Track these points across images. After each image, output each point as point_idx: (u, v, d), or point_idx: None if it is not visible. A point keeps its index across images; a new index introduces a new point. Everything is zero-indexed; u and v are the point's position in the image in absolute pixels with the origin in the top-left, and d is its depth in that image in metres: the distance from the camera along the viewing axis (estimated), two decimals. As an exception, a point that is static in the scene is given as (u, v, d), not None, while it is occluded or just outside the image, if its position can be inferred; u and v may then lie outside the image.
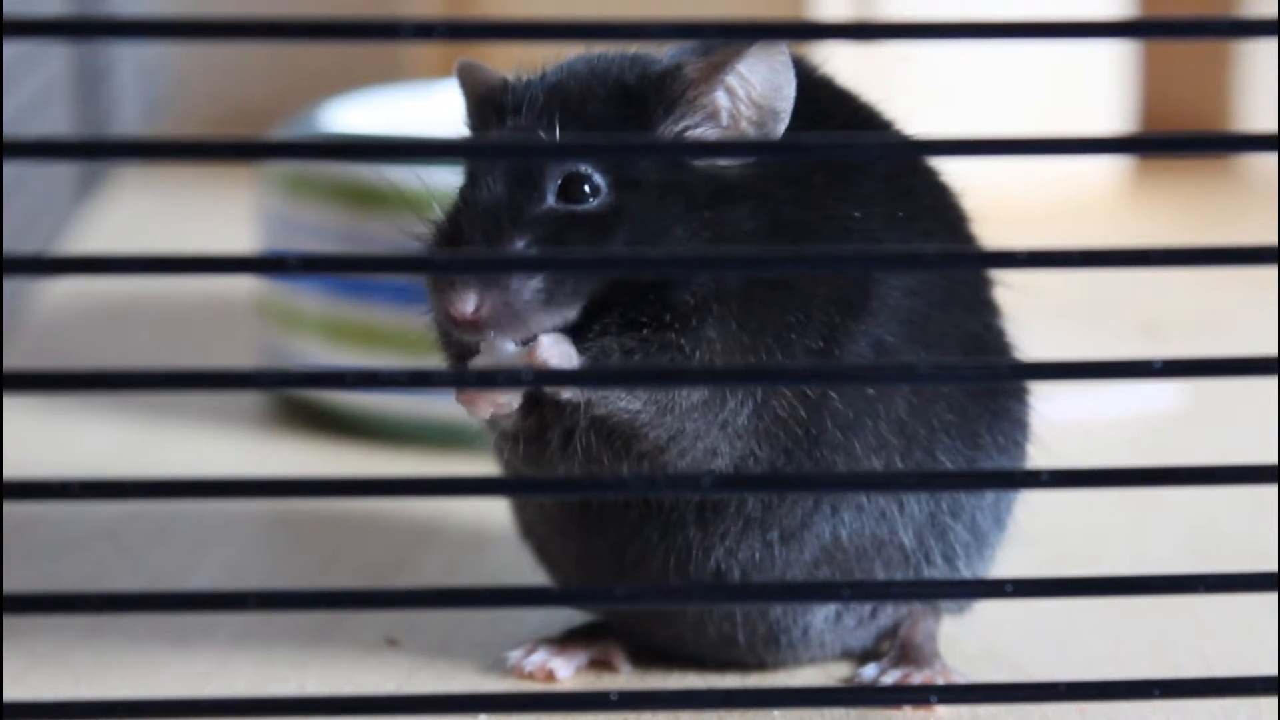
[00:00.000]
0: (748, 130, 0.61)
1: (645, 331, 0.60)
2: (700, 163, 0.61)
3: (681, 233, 0.60)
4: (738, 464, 0.62)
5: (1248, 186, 1.49)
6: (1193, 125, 1.55)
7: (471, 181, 0.61)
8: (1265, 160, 1.46)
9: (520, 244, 0.59)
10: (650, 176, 0.60)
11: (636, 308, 0.60)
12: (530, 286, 0.59)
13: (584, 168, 0.60)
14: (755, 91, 0.61)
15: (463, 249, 0.60)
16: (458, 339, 0.62)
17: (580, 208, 0.60)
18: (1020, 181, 1.34)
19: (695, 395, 0.61)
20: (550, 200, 0.60)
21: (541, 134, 0.61)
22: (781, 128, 0.61)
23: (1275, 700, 0.59)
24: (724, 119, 0.61)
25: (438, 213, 0.63)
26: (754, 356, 0.61)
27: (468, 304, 0.59)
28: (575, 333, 0.60)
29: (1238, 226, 1.37)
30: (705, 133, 0.61)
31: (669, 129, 0.61)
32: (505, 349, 0.60)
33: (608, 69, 0.62)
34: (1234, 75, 1.55)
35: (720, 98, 0.61)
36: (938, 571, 0.65)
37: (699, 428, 0.61)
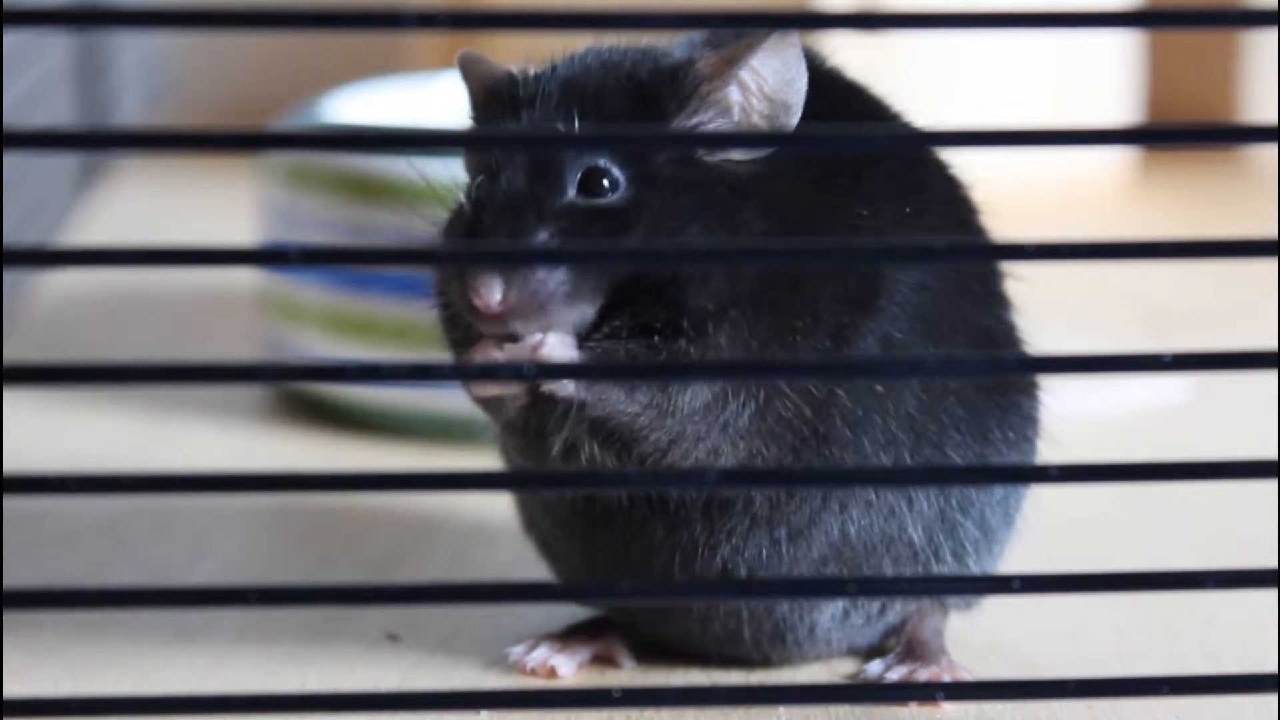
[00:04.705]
0: (760, 124, 0.61)
1: (657, 339, 0.60)
2: (714, 158, 0.61)
3: (698, 230, 0.60)
4: (744, 464, 0.61)
5: (1254, 178, 1.49)
6: (1199, 117, 1.55)
7: (489, 175, 0.60)
8: (1270, 152, 1.45)
9: (543, 237, 0.59)
10: (667, 172, 0.60)
11: (650, 312, 0.60)
12: (555, 279, 0.59)
13: (603, 162, 0.60)
14: (767, 85, 0.61)
15: (485, 242, 0.60)
16: (462, 330, 0.62)
17: (601, 201, 0.60)
18: (1026, 173, 1.33)
19: (697, 399, 0.60)
20: (571, 194, 0.60)
21: (560, 129, 0.60)
22: (794, 121, 0.61)
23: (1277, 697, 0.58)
24: (736, 113, 0.61)
25: (450, 205, 0.62)
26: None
27: (493, 295, 0.58)
28: (586, 334, 0.60)
29: (1242, 218, 1.37)
30: (719, 127, 0.61)
31: (683, 124, 0.61)
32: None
33: (619, 63, 0.62)
34: (1240, 67, 1.55)
35: (733, 92, 0.61)
36: (947, 568, 0.64)
37: (700, 430, 0.61)
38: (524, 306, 0.58)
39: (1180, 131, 0.63)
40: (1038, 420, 0.67)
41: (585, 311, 0.60)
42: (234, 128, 0.49)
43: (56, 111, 1.33)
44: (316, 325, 0.93)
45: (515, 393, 0.61)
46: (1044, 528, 0.69)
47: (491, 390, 0.61)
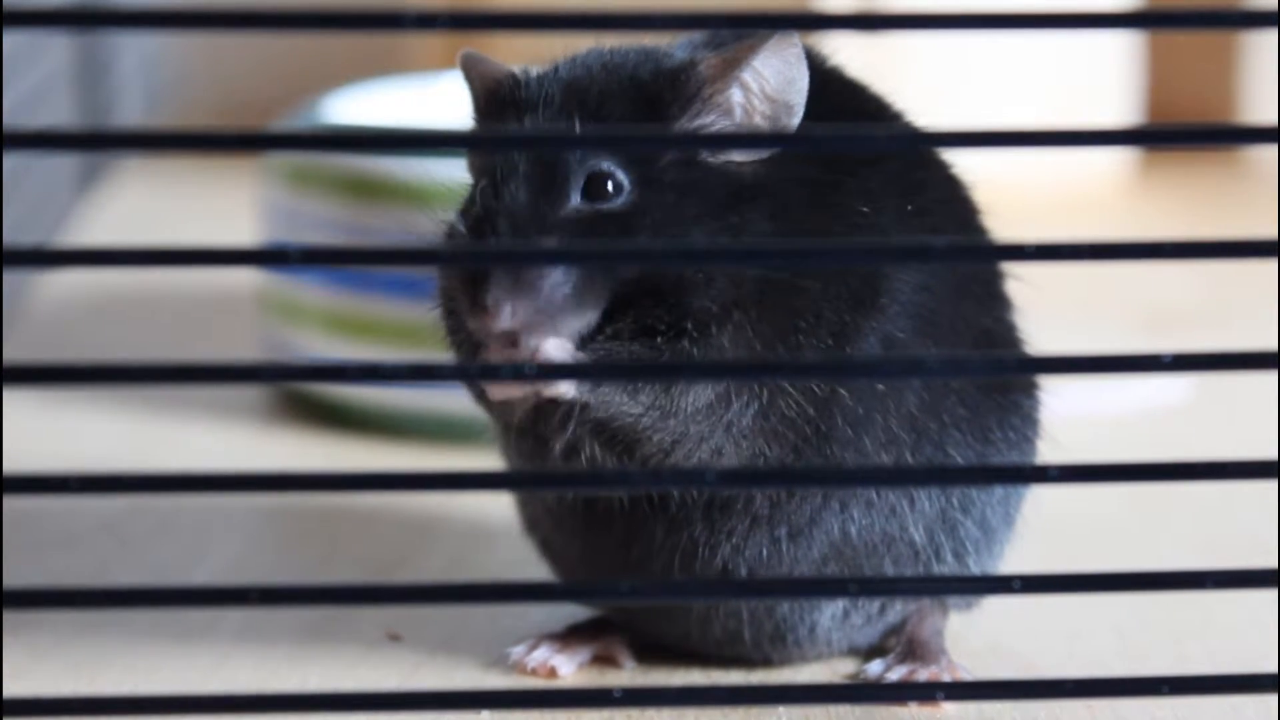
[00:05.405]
0: (762, 125, 0.61)
1: (660, 340, 0.60)
2: (716, 159, 0.60)
3: (702, 232, 0.60)
4: (746, 463, 0.61)
5: (1254, 178, 1.49)
6: (1199, 117, 1.55)
7: (492, 182, 0.60)
8: (1270, 152, 1.45)
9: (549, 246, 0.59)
10: (670, 175, 0.60)
11: (654, 314, 0.60)
12: (561, 291, 0.58)
13: (607, 166, 0.60)
14: (769, 86, 0.61)
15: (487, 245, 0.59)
16: (464, 331, 0.62)
17: (605, 206, 0.60)
18: (1026, 173, 1.33)
19: (700, 400, 0.60)
20: (576, 200, 0.60)
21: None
22: (795, 121, 0.61)
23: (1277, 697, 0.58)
24: (738, 114, 0.61)
25: (454, 212, 0.62)
26: (764, 360, 0.60)
27: (503, 318, 0.58)
28: (589, 336, 0.60)
29: (1242, 218, 1.37)
30: (721, 128, 0.61)
31: (685, 126, 0.61)
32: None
33: (621, 65, 0.62)
34: (1240, 67, 1.55)
35: (735, 94, 0.61)
36: (947, 568, 0.64)
37: (703, 430, 0.61)
38: (532, 322, 0.58)
39: (1180, 131, 0.63)
40: (1038, 420, 0.67)
41: (591, 318, 0.60)
42: (235, 128, 0.49)
43: (57, 112, 1.33)
44: (317, 325, 0.93)
45: (522, 397, 0.60)
46: (1044, 528, 0.69)
47: (502, 393, 0.61)
